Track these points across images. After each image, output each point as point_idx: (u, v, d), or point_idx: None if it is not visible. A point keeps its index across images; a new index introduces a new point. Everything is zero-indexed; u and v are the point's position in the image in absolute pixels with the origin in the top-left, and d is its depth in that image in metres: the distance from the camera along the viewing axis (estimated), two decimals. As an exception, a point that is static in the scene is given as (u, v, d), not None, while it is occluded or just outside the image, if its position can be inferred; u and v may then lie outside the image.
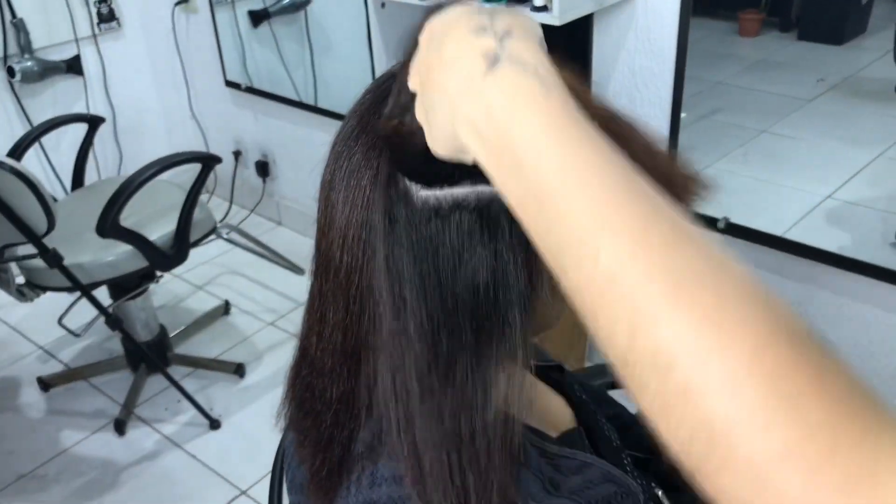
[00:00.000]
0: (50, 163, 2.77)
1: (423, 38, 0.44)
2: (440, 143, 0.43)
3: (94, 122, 2.29)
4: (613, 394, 1.06)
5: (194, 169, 2.07)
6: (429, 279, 0.49)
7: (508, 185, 0.37)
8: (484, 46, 0.38)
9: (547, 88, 0.37)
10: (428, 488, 0.52)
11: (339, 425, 0.58)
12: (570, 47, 1.80)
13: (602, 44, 1.78)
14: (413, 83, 0.44)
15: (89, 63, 2.84)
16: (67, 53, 2.76)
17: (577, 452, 0.60)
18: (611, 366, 0.34)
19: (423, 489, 0.53)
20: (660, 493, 0.79)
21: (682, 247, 0.33)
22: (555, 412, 0.74)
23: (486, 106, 0.37)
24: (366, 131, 0.53)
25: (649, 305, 0.31)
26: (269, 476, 1.93)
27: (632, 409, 1.06)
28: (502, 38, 0.39)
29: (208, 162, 2.01)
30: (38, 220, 1.75)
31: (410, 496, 0.54)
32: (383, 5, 2.08)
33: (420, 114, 0.44)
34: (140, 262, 1.97)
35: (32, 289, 1.99)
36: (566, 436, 0.65)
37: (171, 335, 2.36)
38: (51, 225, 1.77)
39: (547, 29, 1.76)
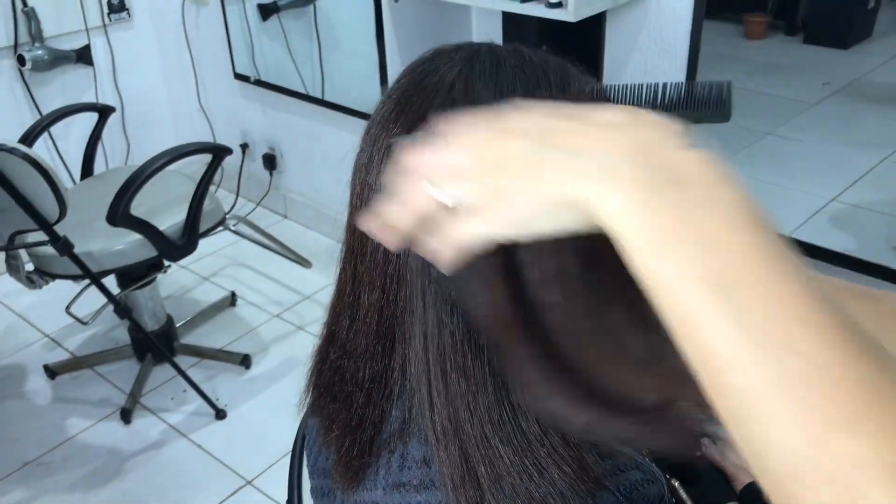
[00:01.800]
0: (58, 151, 2.78)
1: (517, 125, 0.38)
2: (527, 209, 0.37)
3: (104, 112, 2.30)
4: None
5: (202, 160, 2.08)
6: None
7: (675, 258, 0.34)
8: (676, 127, 0.37)
9: (743, 187, 0.36)
10: (457, 469, 0.53)
11: (371, 405, 0.58)
12: (582, 45, 1.81)
13: (614, 42, 1.79)
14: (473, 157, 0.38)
15: (99, 53, 2.85)
16: (77, 43, 2.76)
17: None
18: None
19: (451, 470, 0.54)
20: (676, 483, 0.80)
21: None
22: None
23: (678, 177, 0.35)
24: (404, 113, 0.54)
25: (849, 417, 0.31)
26: (275, 466, 1.95)
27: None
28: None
29: (219, 153, 2.02)
30: (49, 208, 1.76)
31: (440, 478, 0.55)
32: (397, 0, 2.09)
33: (494, 190, 0.37)
34: (149, 252, 1.98)
35: (41, 276, 1.99)
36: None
37: (178, 325, 2.37)
38: (62, 212, 1.78)
39: (559, 26, 1.75)
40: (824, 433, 0.30)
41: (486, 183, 0.37)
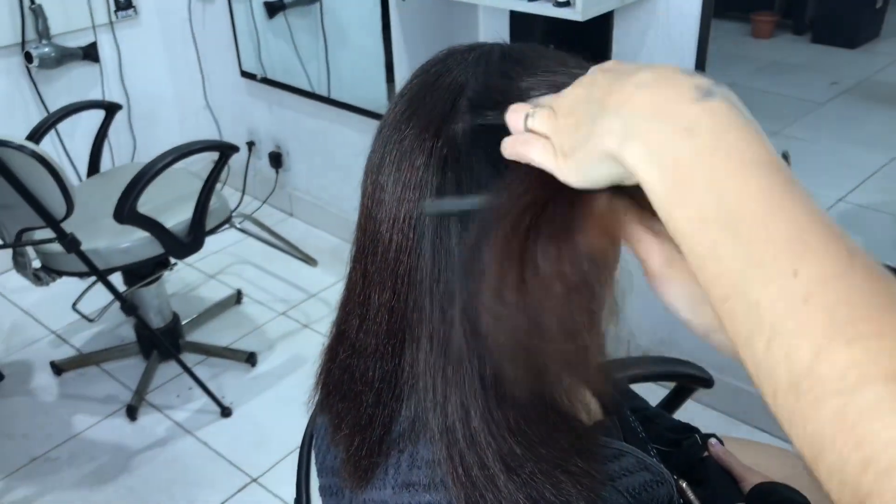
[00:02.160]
0: (65, 149, 2.78)
1: (585, 79, 0.46)
2: (586, 159, 0.43)
3: (111, 109, 2.30)
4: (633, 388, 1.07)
5: (208, 158, 2.09)
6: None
7: (687, 202, 0.38)
8: (697, 82, 0.40)
9: (758, 132, 0.39)
10: (462, 471, 0.53)
11: (380, 405, 0.58)
12: (589, 44, 1.81)
13: (622, 41, 1.78)
14: (546, 115, 0.46)
15: (105, 50, 2.85)
16: (84, 40, 2.77)
17: (613, 441, 0.60)
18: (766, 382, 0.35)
19: (457, 472, 0.54)
20: (684, 484, 0.80)
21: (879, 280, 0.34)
22: (583, 402, 0.75)
23: (686, 129, 0.39)
24: (417, 114, 0.54)
25: (844, 326, 0.33)
26: (281, 464, 1.95)
27: (652, 403, 1.07)
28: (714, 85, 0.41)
29: (226, 151, 2.02)
30: (57, 205, 1.76)
31: (447, 479, 0.55)
32: (404, -1, 2.09)
33: (563, 138, 0.44)
34: (156, 249, 1.98)
35: (48, 273, 2.00)
36: (599, 425, 0.66)
37: (184, 323, 2.37)
38: (69, 210, 1.78)
39: (567, 25, 1.74)
40: (824, 343, 0.33)
41: (561, 127, 0.45)
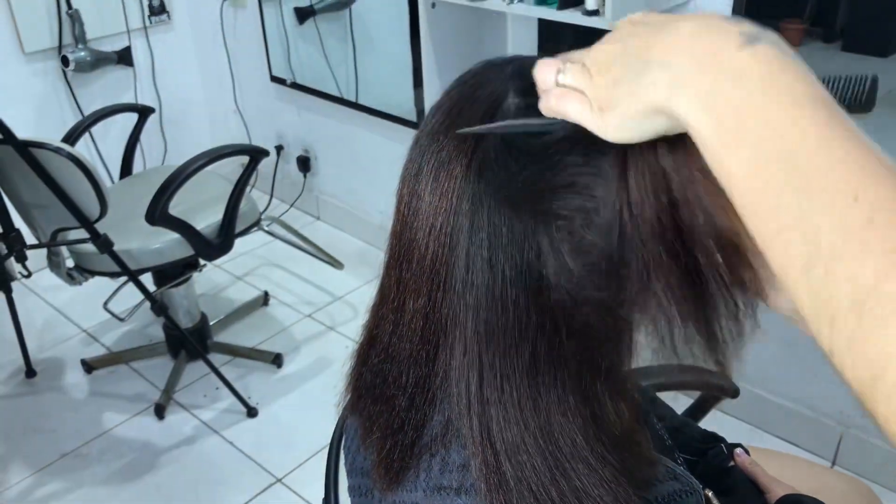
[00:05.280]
0: (98, 151, 2.83)
1: (616, 33, 0.46)
2: (629, 114, 0.43)
3: (144, 113, 2.34)
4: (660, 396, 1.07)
5: (238, 161, 2.11)
6: (516, 274, 0.51)
7: (742, 143, 0.39)
8: (742, 28, 0.41)
9: (807, 72, 0.39)
10: (496, 477, 0.54)
11: (413, 409, 0.59)
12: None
13: (650, 50, 1.78)
14: (575, 72, 0.46)
15: (139, 55, 2.90)
16: (119, 44, 2.82)
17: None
18: (810, 307, 0.36)
19: (491, 478, 0.54)
20: (710, 493, 0.80)
21: None
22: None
23: (735, 75, 0.39)
24: (455, 124, 0.54)
25: None
26: (305, 465, 1.97)
27: (679, 412, 1.07)
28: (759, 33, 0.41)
29: (256, 155, 2.05)
30: (91, 206, 1.80)
31: (475, 481, 0.55)
32: (434, 5, 2.10)
33: (600, 93, 0.45)
34: (186, 251, 2.02)
35: (81, 273, 2.04)
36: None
37: (212, 323, 2.40)
38: (103, 211, 1.82)
39: (595, 34, 1.75)
40: (888, 262, 0.33)
41: (598, 83, 0.45)
